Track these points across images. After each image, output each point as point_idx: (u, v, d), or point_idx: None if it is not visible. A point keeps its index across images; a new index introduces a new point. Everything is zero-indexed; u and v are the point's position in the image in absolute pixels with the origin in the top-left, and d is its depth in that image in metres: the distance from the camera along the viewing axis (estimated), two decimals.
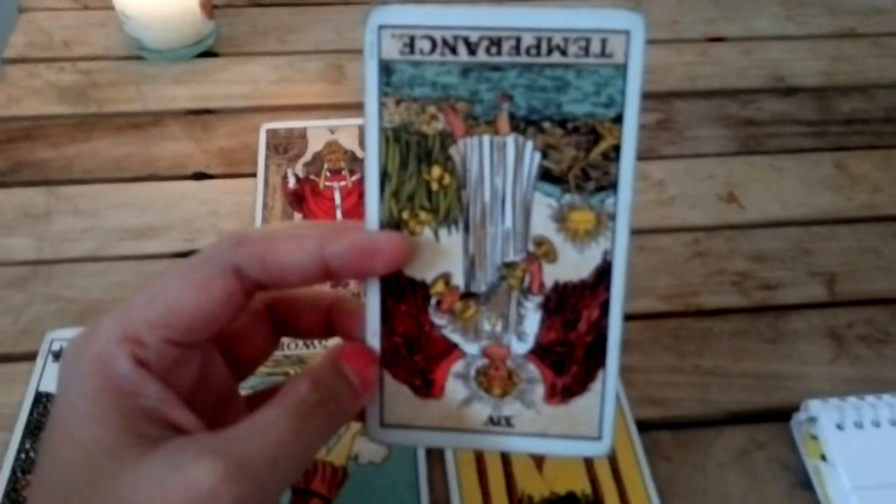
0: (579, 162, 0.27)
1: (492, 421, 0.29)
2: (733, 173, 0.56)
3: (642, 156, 0.56)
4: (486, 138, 0.27)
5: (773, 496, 0.40)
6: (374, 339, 0.28)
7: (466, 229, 0.28)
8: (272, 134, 0.56)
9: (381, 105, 0.26)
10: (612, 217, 0.27)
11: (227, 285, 0.26)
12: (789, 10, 0.70)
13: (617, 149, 0.26)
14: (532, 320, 0.28)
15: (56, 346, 0.42)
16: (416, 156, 0.27)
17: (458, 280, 0.28)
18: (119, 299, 0.46)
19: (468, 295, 0.28)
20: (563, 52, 0.26)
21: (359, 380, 0.27)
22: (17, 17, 0.65)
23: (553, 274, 0.28)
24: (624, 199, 0.27)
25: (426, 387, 0.29)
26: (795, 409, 0.42)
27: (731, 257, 0.50)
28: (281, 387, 0.26)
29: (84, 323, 0.44)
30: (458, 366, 0.29)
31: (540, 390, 0.29)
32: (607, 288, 0.28)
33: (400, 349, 0.29)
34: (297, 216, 0.50)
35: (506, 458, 0.40)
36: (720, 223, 0.52)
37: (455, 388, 0.29)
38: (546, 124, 0.26)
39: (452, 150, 0.27)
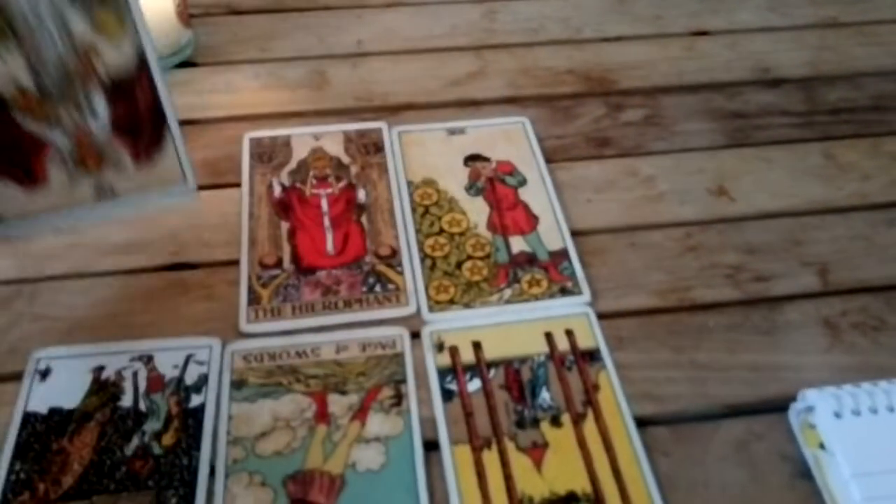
0: None
1: (99, 195, 0.40)
2: (722, 166, 0.55)
3: (631, 152, 0.56)
4: None
5: (773, 487, 0.39)
6: None
7: (22, 48, 0.39)
8: (256, 143, 0.55)
9: None
10: (131, 16, 0.40)
11: None
12: (772, 2, 0.70)
13: None
14: (101, 105, 0.41)
15: (42, 366, 0.42)
16: None
17: (29, 85, 0.39)
18: (106, 315, 0.45)
19: (43, 95, 0.40)
20: None
21: None
22: None
23: (106, 71, 0.41)
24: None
25: (29, 177, 0.40)
26: (792, 399, 0.42)
27: (724, 250, 0.50)
28: None
29: (71, 341, 0.43)
30: (52, 154, 0.40)
31: (127, 157, 0.41)
32: (150, 74, 0.41)
33: None
34: (284, 225, 0.50)
35: (504, 460, 0.39)
36: (711, 217, 0.52)
37: (57, 173, 0.40)
38: None
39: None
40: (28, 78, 0.39)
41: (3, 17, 0.38)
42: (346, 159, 0.54)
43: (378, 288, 0.47)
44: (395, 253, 0.49)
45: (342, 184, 0.53)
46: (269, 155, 0.54)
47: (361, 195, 0.52)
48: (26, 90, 0.39)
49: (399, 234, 0.50)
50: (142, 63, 0.41)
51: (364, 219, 0.51)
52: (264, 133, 0.56)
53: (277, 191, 0.52)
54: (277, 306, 0.45)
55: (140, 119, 0.41)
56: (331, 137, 0.56)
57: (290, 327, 0.45)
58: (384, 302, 0.46)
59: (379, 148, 0.55)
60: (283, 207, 0.51)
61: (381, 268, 0.48)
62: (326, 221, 0.50)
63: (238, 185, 0.52)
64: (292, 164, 0.54)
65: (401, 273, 0.48)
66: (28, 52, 0.39)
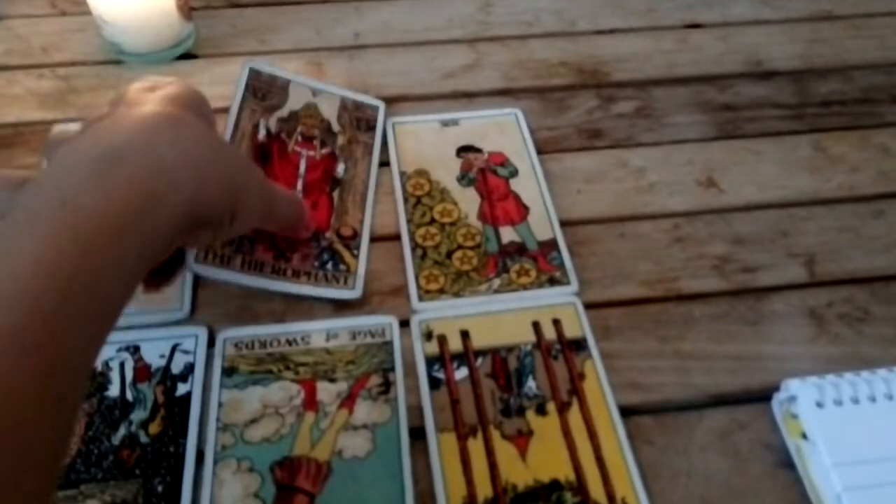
0: None
1: None
2: (712, 158, 0.56)
3: (622, 144, 0.57)
4: None
5: (756, 476, 0.40)
6: None
7: None
8: (255, 75, 0.53)
9: None
10: None
11: None
12: None
13: None
14: None
15: None
16: None
17: None
18: None
19: None
20: None
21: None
22: None
23: None
24: None
25: None
26: (776, 389, 0.42)
27: (711, 241, 0.50)
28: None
29: None
30: None
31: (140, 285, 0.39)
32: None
33: None
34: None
35: (489, 448, 0.40)
36: (700, 208, 0.52)
37: None
38: None
39: None
40: None
41: None
42: (336, 126, 0.54)
43: (330, 266, 0.47)
44: (355, 235, 0.49)
45: (325, 150, 0.52)
46: (263, 93, 0.52)
47: (340, 169, 0.52)
48: None
49: (365, 218, 0.50)
50: None
51: (336, 194, 0.50)
52: (265, 68, 0.54)
53: (262, 135, 0.50)
54: (229, 255, 0.45)
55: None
56: (328, 99, 0.55)
57: (233, 279, 0.44)
58: (332, 281, 0.46)
59: (371, 126, 0.55)
60: (262, 154, 0.49)
61: (339, 247, 0.48)
62: (299, 184, 0.50)
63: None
64: (284, 112, 0.52)
65: (356, 256, 0.48)
66: None
